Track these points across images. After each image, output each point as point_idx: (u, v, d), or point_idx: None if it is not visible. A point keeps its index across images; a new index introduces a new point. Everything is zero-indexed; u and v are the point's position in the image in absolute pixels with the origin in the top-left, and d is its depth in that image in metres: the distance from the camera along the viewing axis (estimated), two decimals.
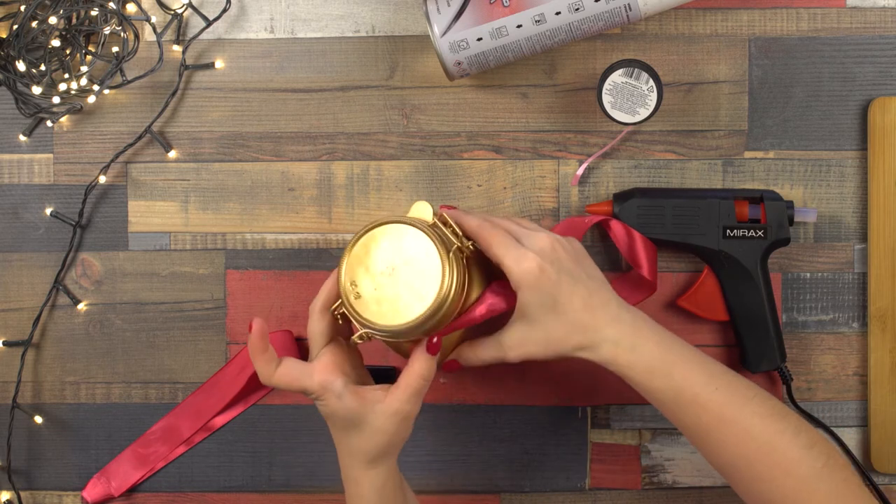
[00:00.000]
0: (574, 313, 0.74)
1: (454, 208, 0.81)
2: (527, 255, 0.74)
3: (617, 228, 0.87)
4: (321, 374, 0.75)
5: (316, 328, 0.78)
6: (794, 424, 0.71)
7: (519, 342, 0.75)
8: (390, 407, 0.75)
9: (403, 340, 0.76)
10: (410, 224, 0.74)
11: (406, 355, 0.77)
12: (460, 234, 0.77)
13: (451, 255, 0.74)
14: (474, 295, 0.77)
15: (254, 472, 0.93)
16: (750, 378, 0.89)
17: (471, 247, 0.76)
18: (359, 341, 0.76)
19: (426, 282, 0.73)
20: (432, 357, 0.75)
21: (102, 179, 0.92)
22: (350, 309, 0.74)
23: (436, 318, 0.73)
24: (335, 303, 0.77)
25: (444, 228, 0.76)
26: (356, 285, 0.74)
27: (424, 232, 0.74)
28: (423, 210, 0.77)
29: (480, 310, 0.76)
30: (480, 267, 0.78)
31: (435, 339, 0.75)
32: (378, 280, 0.74)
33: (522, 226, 0.79)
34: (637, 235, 0.86)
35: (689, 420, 0.73)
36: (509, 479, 0.92)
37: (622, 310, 0.75)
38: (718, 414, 0.71)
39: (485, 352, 0.76)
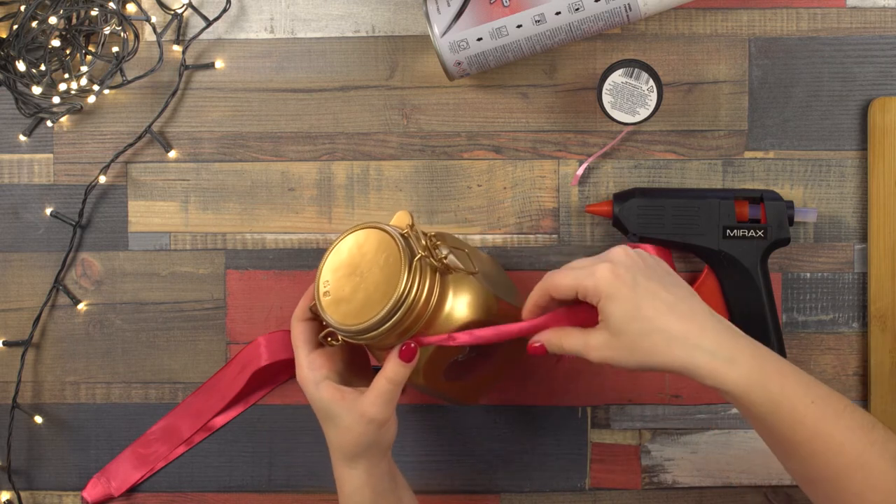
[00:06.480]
0: (659, 320, 0.70)
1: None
2: (598, 265, 0.71)
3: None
4: (307, 369, 0.78)
5: (295, 334, 0.80)
6: (882, 436, 0.70)
7: (603, 345, 0.72)
8: (359, 407, 0.76)
9: (367, 342, 0.76)
10: (383, 230, 0.76)
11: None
12: (433, 248, 0.77)
13: (415, 261, 0.74)
14: (446, 309, 0.76)
15: (254, 472, 0.93)
16: None
17: (444, 261, 0.76)
18: (333, 343, 0.77)
19: (389, 285, 0.74)
20: (404, 363, 0.75)
21: (102, 179, 0.92)
22: (319, 307, 0.76)
23: (393, 321, 0.74)
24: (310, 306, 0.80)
25: (414, 239, 0.76)
26: (328, 284, 0.76)
27: (393, 237, 0.75)
28: (402, 219, 0.78)
29: (463, 336, 0.75)
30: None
31: (413, 344, 0.75)
32: (348, 281, 0.75)
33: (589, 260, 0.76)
34: (649, 248, 0.86)
35: (784, 433, 0.70)
36: (509, 479, 0.92)
37: (714, 320, 0.71)
38: (814, 427, 0.69)
39: (569, 342, 0.73)
